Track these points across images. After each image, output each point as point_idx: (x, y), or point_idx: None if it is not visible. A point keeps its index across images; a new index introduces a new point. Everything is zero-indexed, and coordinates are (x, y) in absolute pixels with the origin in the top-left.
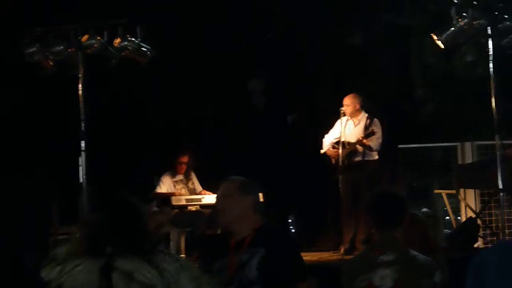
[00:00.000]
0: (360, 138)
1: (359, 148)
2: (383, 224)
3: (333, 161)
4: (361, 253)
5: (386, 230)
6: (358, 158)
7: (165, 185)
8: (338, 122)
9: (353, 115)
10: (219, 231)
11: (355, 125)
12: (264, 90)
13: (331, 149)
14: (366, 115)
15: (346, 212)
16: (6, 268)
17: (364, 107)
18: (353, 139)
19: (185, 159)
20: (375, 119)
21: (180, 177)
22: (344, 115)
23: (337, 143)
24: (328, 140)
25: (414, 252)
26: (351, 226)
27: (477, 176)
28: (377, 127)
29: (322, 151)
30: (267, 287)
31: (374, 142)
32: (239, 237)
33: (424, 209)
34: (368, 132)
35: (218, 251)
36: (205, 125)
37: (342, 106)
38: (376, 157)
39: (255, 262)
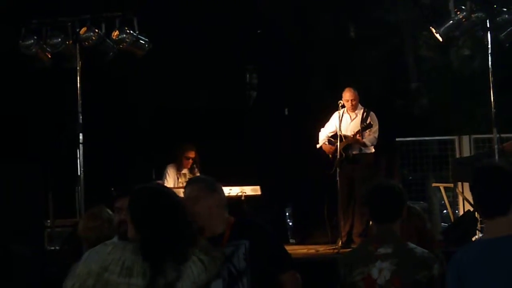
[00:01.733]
0: (354, 134)
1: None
2: (381, 217)
3: (330, 156)
4: (358, 246)
5: (384, 223)
6: (355, 152)
7: (171, 178)
8: (334, 116)
9: (350, 109)
10: None
11: (352, 119)
12: (260, 83)
13: (326, 144)
14: (363, 108)
15: (343, 205)
16: None
17: (360, 100)
18: (350, 133)
19: (192, 154)
20: (371, 112)
21: (185, 171)
22: (343, 107)
23: (334, 136)
24: (324, 134)
25: (412, 245)
26: (348, 219)
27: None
28: (373, 121)
29: (318, 146)
30: (254, 277)
31: (370, 137)
32: (213, 234)
33: (421, 203)
34: (365, 125)
35: None
36: (201, 117)
37: (339, 99)
38: (373, 150)
39: (242, 253)
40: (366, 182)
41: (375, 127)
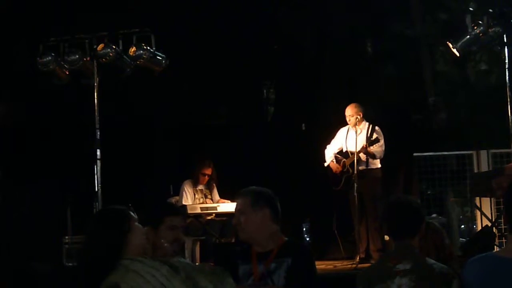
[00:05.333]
0: (364, 146)
1: (363, 157)
2: (399, 234)
3: (339, 173)
4: (377, 262)
5: (402, 239)
6: (362, 167)
7: (189, 194)
8: (339, 132)
9: (355, 124)
10: (233, 240)
11: (358, 134)
12: (277, 99)
13: (333, 162)
14: (367, 123)
15: (356, 221)
16: (19, 276)
17: (365, 116)
18: (356, 149)
19: (208, 171)
20: (377, 127)
21: (201, 186)
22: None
23: (340, 153)
24: (330, 151)
25: (431, 261)
26: (364, 235)
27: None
28: (380, 135)
29: (325, 164)
30: None
31: (378, 149)
32: (263, 249)
33: (439, 218)
34: (372, 140)
35: (238, 259)
36: (219, 132)
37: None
38: (379, 165)
39: (283, 271)
40: (376, 197)
41: (381, 141)
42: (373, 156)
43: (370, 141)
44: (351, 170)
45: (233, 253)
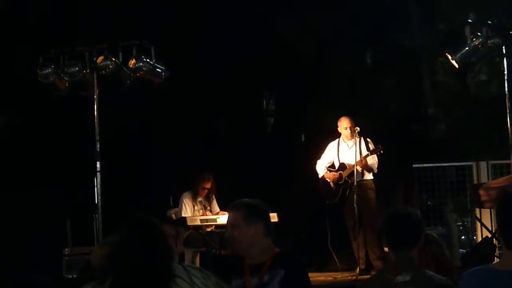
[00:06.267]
0: (362, 159)
1: (359, 168)
2: (399, 245)
3: (332, 184)
4: (376, 273)
5: (402, 251)
6: (358, 178)
7: (188, 206)
8: (330, 146)
9: (349, 137)
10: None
11: (349, 147)
12: (277, 110)
13: (328, 173)
14: (359, 136)
15: (353, 232)
16: None
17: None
18: (350, 161)
19: (208, 185)
20: (369, 139)
21: (200, 198)
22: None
23: (332, 166)
24: (322, 165)
25: (430, 273)
26: (362, 246)
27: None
28: (374, 147)
29: (319, 176)
30: None
31: (373, 162)
32: (255, 262)
33: (439, 229)
34: (371, 150)
35: (231, 272)
36: (219, 144)
37: (356, 125)
38: (372, 176)
39: (277, 283)
40: (372, 207)
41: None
42: (370, 170)
43: (370, 151)
44: (349, 182)
45: (225, 267)
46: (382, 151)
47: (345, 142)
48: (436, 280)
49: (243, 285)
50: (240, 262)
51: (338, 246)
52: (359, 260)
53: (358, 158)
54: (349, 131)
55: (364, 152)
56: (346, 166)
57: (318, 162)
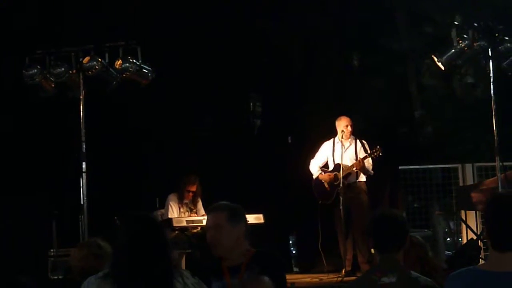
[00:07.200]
0: (360, 161)
1: (354, 170)
2: (384, 247)
3: (326, 185)
4: (362, 275)
5: (387, 253)
6: (352, 180)
7: (174, 208)
8: (324, 146)
9: (347, 136)
10: None
11: (346, 148)
12: (264, 111)
13: (323, 173)
14: (354, 137)
15: (343, 234)
16: None
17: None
18: (346, 162)
19: (193, 188)
20: (364, 141)
21: (186, 200)
22: (330, 138)
23: (326, 166)
24: (315, 164)
25: (416, 274)
26: (350, 248)
27: (478, 198)
28: (369, 149)
29: (314, 176)
30: None
31: (369, 165)
32: (233, 263)
33: (425, 231)
34: (369, 153)
35: (210, 276)
36: (205, 145)
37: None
38: (364, 178)
39: (254, 276)
40: (364, 210)
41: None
42: (367, 172)
43: (370, 153)
44: (346, 182)
45: (204, 270)
46: (381, 154)
47: (341, 143)
48: (422, 281)
49: (224, 286)
50: (218, 265)
51: (327, 248)
52: (345, 261)
53: (355, 160)
54: (350, 129)
55: (361, 153)
56: (342, 167)
57: (312, 161)
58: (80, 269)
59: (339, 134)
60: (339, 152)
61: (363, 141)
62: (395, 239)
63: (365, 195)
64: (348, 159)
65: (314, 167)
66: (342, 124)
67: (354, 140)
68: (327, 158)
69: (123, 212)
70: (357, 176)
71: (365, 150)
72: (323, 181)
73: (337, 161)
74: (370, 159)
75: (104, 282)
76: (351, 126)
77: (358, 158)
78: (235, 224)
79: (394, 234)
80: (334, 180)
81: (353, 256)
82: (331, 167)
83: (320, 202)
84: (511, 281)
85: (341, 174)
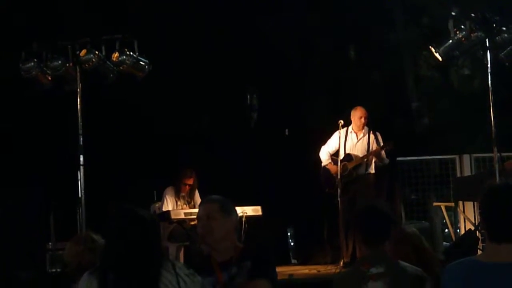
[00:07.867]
0: (378, 149)
1: (370, 160)
2: (370, 239)
3: (336, 175)
4: (351, 266)
5: (374, 244)
6: (361, 171)
7: (170, 201)
8: (337, 134)
9: (361, 127)
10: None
11: (359, 139)
12: (260, 104)
13: (332, 164)
14: (368, 128)
15: (344, 226)
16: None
17: None
18: (358, 152)
19: (190, 181)
20: (378, 133)
21: (182, 194)
22: (343, 126)
23: (336, 154)
24: (326, 151)
25: (404, 264)
26: (350, 240)
27: (476, 189)
28: (382, 141)
29: (323, 164)
30: None
31: (384, 155)
32: (222, 258)
33: (423, 222)
34: (382, 145)
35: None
36: (202, 138)
37: (339, 119)
38: (373, 170)
39: (244, 273)
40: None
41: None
42: (383, 159)
43: (381, 147)
44: (354, 174)
45: (194, 266)
46: (393, 147)
47: (355, 133)
48: (410, 270)
49: (215, 281)
50: (207, 260)
51: (331, 239)
52: (343, 253)
53: (366, 151)
54: (363, 121)
55: (373, 146)
56: (352, 158)
57: (323, 148)
58: (77, 264)
59: (353, 124)
60: (351, 142)
61: (377, 133)
62: (380, 230)
63: (372, 188)
64: (359, 150)
65: (325, 154)
66: (356, 115)
67: (368, 132)
68: (339, 146)
69: (112, 205)
70: (367, 168)
71: (378, 143)
72: (331, 172)
73: (348, 151)
74: (383, 152)
75: (92, 277)
76: (365, 118)
77: (371, 150)
78: (227, 216)
79: (377, 226)
80: (343, 170)
81: (353, 247)
82: (341, 156)
83: (327, 190)
84: (508, 272)
85: (350, 165)
